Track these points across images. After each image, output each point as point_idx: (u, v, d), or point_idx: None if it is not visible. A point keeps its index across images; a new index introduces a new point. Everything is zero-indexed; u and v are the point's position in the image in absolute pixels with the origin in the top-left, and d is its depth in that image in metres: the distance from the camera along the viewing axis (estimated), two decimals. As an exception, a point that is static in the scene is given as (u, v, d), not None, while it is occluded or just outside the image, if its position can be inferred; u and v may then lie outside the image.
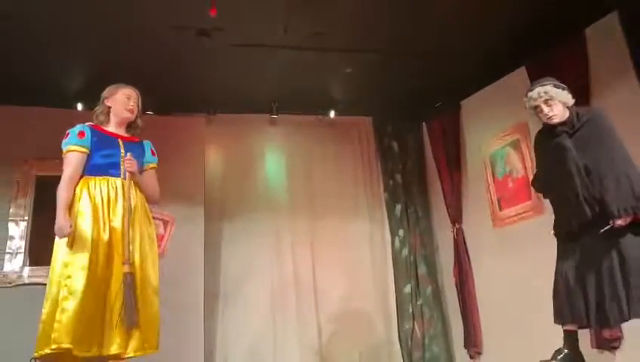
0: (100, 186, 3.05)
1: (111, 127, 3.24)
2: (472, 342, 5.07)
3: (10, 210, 4.82)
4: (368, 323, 5.44)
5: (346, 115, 5.79)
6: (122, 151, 3.15)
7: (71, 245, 2.91)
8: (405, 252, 5.65)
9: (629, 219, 2.99)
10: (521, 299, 4.58)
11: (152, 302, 3.02)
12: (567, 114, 3.26)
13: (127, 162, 3.09)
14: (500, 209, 4.96)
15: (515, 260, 4.72)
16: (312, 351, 5.25)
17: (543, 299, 4.31)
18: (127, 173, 3.10)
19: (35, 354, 2.82)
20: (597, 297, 3.03)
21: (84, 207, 2.98)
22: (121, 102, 3.24)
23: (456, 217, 5.37)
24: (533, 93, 3.26)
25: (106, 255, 2.94)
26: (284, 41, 4.36)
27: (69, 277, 2.85)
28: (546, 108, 3.24)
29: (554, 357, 3.23)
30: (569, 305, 3.12)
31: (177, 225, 5.11)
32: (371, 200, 5.81)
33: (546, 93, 3.23)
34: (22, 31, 4.01)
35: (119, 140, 3.20)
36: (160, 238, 5.07)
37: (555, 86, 3.26)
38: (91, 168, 3.09)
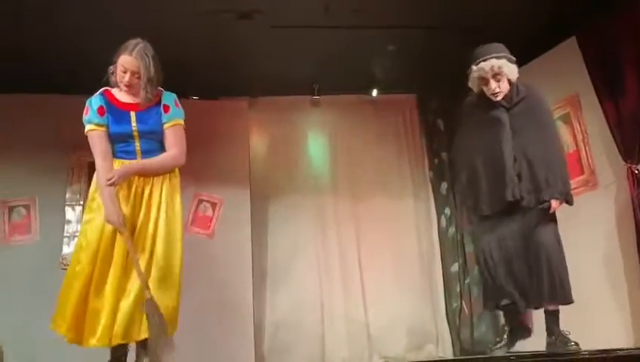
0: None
1: (124, 94, 2.91)
2: (522, 319, 4.98)
3: (67, 196, 5.04)
4: (415, 302, 5.43)
5: (388, 93, 5.72)
6: (134, 126, 2.84)
7: (84, 231, 2.81)
8: (452, 230, 5.58)
9: (558, 204, 3.02)
10: (572, 277, 4.46)
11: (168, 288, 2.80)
12: (508, 88, 3.11)
13: (111, 180, 2.70)
14: (551, 185, 4.82)
15: (566, 237, 4.58)
16: (360, 328, 5.29)
17: (594, 276, 4.22)
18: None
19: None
20: (524, 277, 3.06)
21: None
22: (119, 76, 2.86)
23: (504, 194, 5.25)
24: (486, 65, 3.06)
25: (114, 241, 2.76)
26: (324, 21, 4.33)
27: (79, 262, 2.78)
28: (494, 84, 3.07)
29: (500, 337, 3.26)
30: (500, 284, 3.11)
31: (224, 207, 5.22)
32: (416, 179, 5.75)
33: (499, 67, 3.05)
34: (67, 24, 4.12)
35: (131, 113, 2.86)
36: (209, 220, 5.20)
37: (509, 60, 3.09)
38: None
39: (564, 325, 3.14)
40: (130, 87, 2.87)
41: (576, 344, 2.94)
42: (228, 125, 5.32)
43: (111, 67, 2.92)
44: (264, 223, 5.44)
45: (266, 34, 4.45)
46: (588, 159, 4.46)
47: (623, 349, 2.69)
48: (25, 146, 4.89)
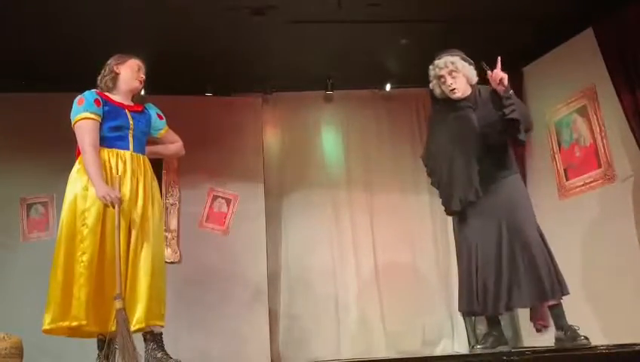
0: (109, 159, 2.97)
1: (117, 96, 3.11)
2: (538, 315, 4.95)
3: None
4: (431, 297, 5.41)
5: (402, 87, 5.69)
6: (131, 122, 3.06)
7: (83, 220, 2.87)
8: (467, 225, 5.54)
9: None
10: (588, 272, 4.43)
11: (148, 275, 2.88)
12: (469, 90, 3.20)
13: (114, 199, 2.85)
14: (567, 179, 4.77)
15: (583, 231, 4.55)
16: (375, 324, 5.29)
17: (612, 269, 4.18)
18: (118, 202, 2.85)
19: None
20: (506, 278, 3.00)
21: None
22: (133, 72, 3.15)
23: (519, 188, 5.21)
24: (440, 62, 3.22)
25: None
26: (338, 16, 4.32)
27: (84, 252, 2.83)
28: (449, 80, 3.19)
29: (484, 339, 3.20)
30: (476, 291, 3.06)
31: (239, 203, 5.25)
32: (431, 174, 5.72)
33: (452, 63, 3.19)
34: (87, 22, 4.16)
35: (127, 111, 3.08)
36: (223, 216, 5.23)
37: (463, 59, 3.21)
38: (99, 139, 2.98)
39: (580, 319, 3.10)
40: (141, 84, 3.18)
41: (586, 338, 2.89)
42: (242, 121, 5.35)
43: (105, 73, 3.15)
44: (278, 219, 5.45)
45: (280, 29, 4.46)
46: (605, 152, 4.41)
47: (641, 344, 2.65)
48: (43, 145, 4.94)
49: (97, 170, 2.88)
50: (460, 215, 3.20)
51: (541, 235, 3.08)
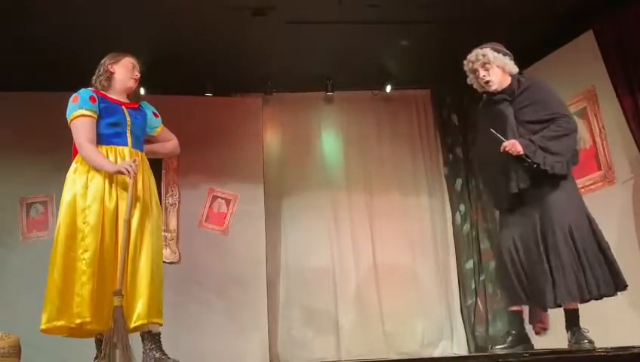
0: (108, 155, 2.93)
1: (113, 94, 3.07)
2: (538, 317, 4.94)
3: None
4: (430, 299, 5.41)
5: (402, 88, 5.70)
6: (128, 119, 3.01)
7: (84, 218, 2.83)
8: (467, 227, 5.55)
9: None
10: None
11: (148, 272, 2.85)
12: (507, 82, 3.12)
13: (134, 166, 2.85)
14: (567, 181, 4.76)
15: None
16: (375, 326, 5.29)
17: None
18: (132, 180, 2.82)
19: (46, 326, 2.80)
20: (539, 279, 2.97)
21: (95, 177, 2.89)
22: (128, 71, 3.11)
23: (519, 190, 5.20)
24: (471, 56, 3.15)
25: (115, 226, 2.85)
26: (338, 16, 4.32)
27: (86, 250, 2.79)
28: (482, 72, 3.11)
29: (503, 339, 3.18)
30: (519, 285, 3.05)
31: (239, 203, 5.25)
32: (430, 175, 5.72)
33: (484, 55, 3.11)
34: (87, 21, 4.17)
35: (124, 108, 3.05)
36: (223, 216, 5.24)
37: (495, 50, 3.12)
38: (97, 137, 2.95)
39: (587, 325, 3.08)
40: (136, 82, 3.13)
41: (590, 342, 2.89)
42: (242, 122, 5.36)
43: (99, 73, 3.10)
44: (278, 219, 5.46)
45: (280, 30, 4.46)
46: (605, 154, 4.40)
47: (638, 347, 2.64)
48: (42, 144, 4.94)
49: (100, 156, 2.88)
50: (502, 213, 3.20)
51: (572, 238, 2.98)
